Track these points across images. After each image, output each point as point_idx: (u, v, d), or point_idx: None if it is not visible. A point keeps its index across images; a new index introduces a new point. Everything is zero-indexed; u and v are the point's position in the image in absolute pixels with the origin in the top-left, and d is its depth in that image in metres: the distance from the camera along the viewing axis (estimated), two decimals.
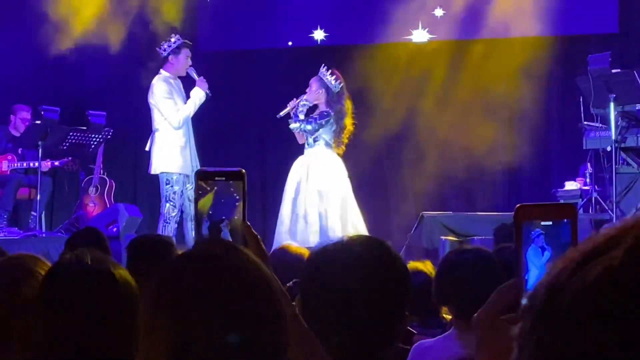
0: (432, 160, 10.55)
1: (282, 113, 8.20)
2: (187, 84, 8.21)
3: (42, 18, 10.73)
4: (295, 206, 7.98)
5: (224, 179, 1.76)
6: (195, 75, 7.97)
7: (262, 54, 10.93)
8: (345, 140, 8.12)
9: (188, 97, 8.02)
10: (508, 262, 2.71)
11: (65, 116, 9.20)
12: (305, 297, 2.05)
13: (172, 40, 8.01)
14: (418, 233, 8.10)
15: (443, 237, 7.75)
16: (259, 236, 1.81)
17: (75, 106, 9.94)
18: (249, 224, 1.77)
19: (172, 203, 7.83)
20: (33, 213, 8.96)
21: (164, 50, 7.99)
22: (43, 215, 9.19)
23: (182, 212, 7.92)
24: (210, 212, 1.73)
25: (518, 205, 1.52)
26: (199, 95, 7.91)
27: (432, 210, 8.77)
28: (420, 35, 10.58)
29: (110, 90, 10.79)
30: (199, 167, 7.92)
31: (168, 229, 7.76)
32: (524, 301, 0.87)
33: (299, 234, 7.79)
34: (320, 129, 7.99)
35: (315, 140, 8.09)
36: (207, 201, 1.73)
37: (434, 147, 10.53)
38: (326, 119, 7.99)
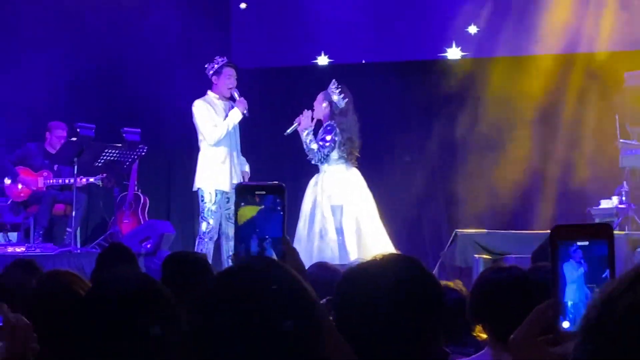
0: (465, 177, 10.52)
1: (289, 130, 8.23)
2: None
3: (79, 35, 10.87)
4: (312, 223, 7.99)
5: (264, 193, 1.76)
6: (236, 95, 8.04)
7: (296, 71, 10.98)
8: (356, 154, 8.10)
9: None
10: (543, 282, 2.71)
11: (101, 133, 9.28)
12: (340, 315, 2.06)
13: (216, 61, 8.11)
14: (452, 251, 8.06)
15: (477, 256, 7.71)
16: (296, 250, 1.82)
17: (110, 123, 10.02)
18: (288, 238, 1.78)
19: (206, 220, 7.87)
20: (68, 229, 9.03)
21: (208, 71, 8.12)
22: (78, 231, 9.26)
23: (219, 229, 7.96)
24: (255, 229, 1.73)
25: (555, 226, 1.52)
26: (234, 115, 7.98)
27: (466, 228, 8.73)
28: (453, 53, 10.57)
29: (144, 107, 10.88)
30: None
31: (202, 246, 7.79)
32: (561, 323, 0.88)
33: (316, 251, 7.79)
34: (329, 147, 7.99)
35: (327, 156, 8.11)
36: (248, 216, 1.73)
37: (468, 164, 10.51)
38: (332, 134, 7.99)
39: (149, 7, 10.73)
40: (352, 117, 8.12)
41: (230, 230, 7.91)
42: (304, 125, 8.07)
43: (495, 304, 3.00)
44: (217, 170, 7.91)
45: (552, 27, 10.11)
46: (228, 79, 8.04)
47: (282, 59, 11.07)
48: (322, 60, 10.91)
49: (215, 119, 7.95)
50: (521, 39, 10.30)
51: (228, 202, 7.92)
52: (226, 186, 7.88)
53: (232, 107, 8.07)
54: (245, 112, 7.98)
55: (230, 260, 7.40)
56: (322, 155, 8.00)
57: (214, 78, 8.08)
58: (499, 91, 10.41)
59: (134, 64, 10.71)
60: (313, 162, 8.12)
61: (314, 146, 8.01)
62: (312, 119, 8.10)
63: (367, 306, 2.01)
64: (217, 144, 7.95)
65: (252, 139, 9.26)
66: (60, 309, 2.55)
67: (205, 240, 7.85)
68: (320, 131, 8.14)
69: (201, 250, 7.66)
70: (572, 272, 1.53)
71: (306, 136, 8.03)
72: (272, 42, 11.02)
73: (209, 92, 8.11)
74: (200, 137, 8.08)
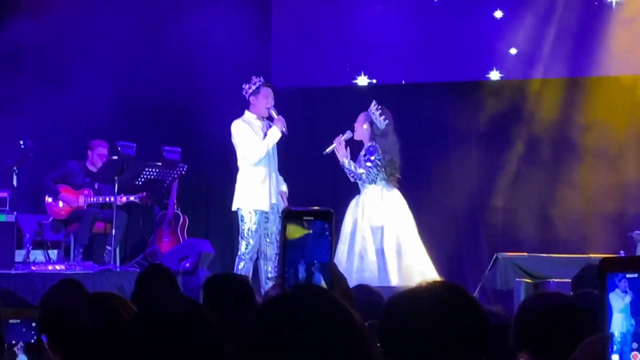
0: (505, 200, 10.47)
1: (328, 150, 8.25)
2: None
3: (121, 54, 10.99)
4: (352, 244, 7.99)
5: (312, 218, 1.75)
6: (274, 114, 8.08)
7: (335, 91, 11.01)
8: (397, 175, 8.11)
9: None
10: (589, 310, 2.68)
11: (142, 152, 9.36)
12: (385, 342, 2.05)
13: (253, 81, 8.13)
14: (492, 274, 8.03)
15: (518, 279, 7.67)
16: (344, 276, 1.82)
17: (151, 142, 10.10)
18: (335, 264, 1.78)
19: (245, 240, 7.90)
20: (108, 247, 9.09)
21: (246, 92, 8.15)
22: (117, 250, 9.32)
23: (259, 250, 7.98)
24: (303, 253, 1.73)
25: (602, 257, 1.51)
26: (273, 133, 8.02)
27: (506, 251, 8.69)
28: (494, 75, 10.55)
29: (185, 126, 10.96)
30: (279, 205, 8.00)
31: (241, 267, 7.81)
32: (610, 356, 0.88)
33: (355, 273, 7.78)
34: (375, 167, 8.00)
35: (377, 175, 8.11)
36: (295, 241, 1.73)
37: (508, 186, 10.46)
38: (375, 154, 8.00)
39: (189, 25, 10.81)
40: (393, 139, 8.13)
41: (269, 250, 7.93)
42: (341, 154, 8.12)
43: (540, 331, 2.98)
44: (256, 190, 7.93)
45: (598, 48, 10.06)
46: (266, 98, 8.08)
47: (322, 79, 11.09)
48: (362, 80, 10.92)
49: (255, 138, 8.00)
50: (574, 60, 10.26)
51: (267, 221, 7.95)
52: (266, 206, 7.90)
53: (270, 127, 8.10)
54: (284, 130, 8.01)
55: (269, 282, 7.42)
56: (372, 176, 8.01)
57: (251, 98, 8.12)
58: (541, 114, 10.37)
59: (174, 83, 10.79)
60: (361, 183, 8.12)
61: (361, 170, 8.01)
62: (347, 143, 8.13)
63: (413, 334, 2.00)
64: (257, 163, 7.99)
65: (291, 159, 9.30)
66: (105, 333, 2.56)
67: (245, 260, 7.87)
68: (362, 153, 8.16)
69: (240, 270, 7.68)
70: (618, 302, 1.52)
71: (348, 164, 8.06)
72: (311, 62, 11.06)
73: (247, 112, 8.15)
74: (239, 157, 8.12)
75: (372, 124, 8.13)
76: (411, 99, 10.60)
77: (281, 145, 8.26)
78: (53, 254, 9.39)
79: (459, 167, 10.69)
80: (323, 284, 1.74)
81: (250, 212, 7.89)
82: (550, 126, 10.37)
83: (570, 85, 10.42)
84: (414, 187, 9.23)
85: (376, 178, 8.05)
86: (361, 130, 8.19)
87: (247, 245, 7.87)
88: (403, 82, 10.90)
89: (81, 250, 9.13)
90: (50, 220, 9.42)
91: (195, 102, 10.95)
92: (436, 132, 10.63)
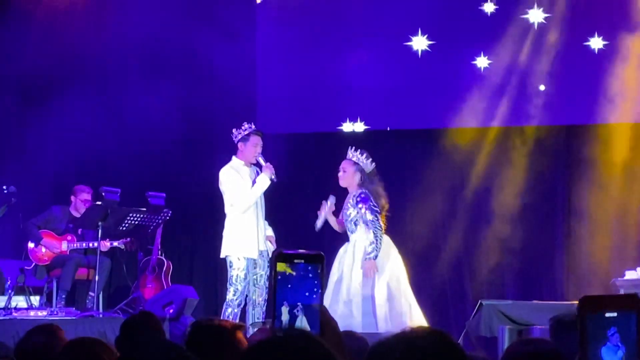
0: (489, 247, 10.50)
1: (319, 224, 8.26)
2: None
3: (104, 100, 11.01)
4: (337, 291, 7.95)
5: (302, 261, 1.76)
6: (262, 161, 8.06)
7: (320, 137, 11.06)
8: (383, 220, 8.08)
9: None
10: (573, 355, 2.69)
11: (126, 197, 9.35)
12: None
13: (243, 128, 8.14)
14: (476, 321, 8.02)
15: (502, 326, 7.66)
16: (335, 321, 1.81)
17: (135, 187, 10.09)
18: (326, 308, 1.77)
19: (234, 287, 7.88)
20: (91, 293, 9.04)
21: (235, 137, 8.15)
22: (100, 296, 9.27)
23: (246, 296, 7.95)
24: (288, 297, 1.73)
25: (582, 296, 1.52)
26: (262, 181, 8.00)
27: (490, 298, 8.70)
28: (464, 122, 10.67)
29: (169, 172, 10.96)
30: (267, 251, 7.98)
31: (229, 313, 7.78)
32: None
33: (339, 319, 7.71)
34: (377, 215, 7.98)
35: (356, 224, 8.08)
36: (283, 284, 1.73)
37: (490, 233, 10.49)
38: (369, 202, 7.99)
39: (173, 74, 10.87)
40: (379, 183, 8.13)
41: (257, 297, 7.91)
42: (332, 222, 8.16)
43: None
44: (245, 237, 7.91)
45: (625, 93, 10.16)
46: (254, 146, 8.08)
47: (307, 125, 11.14)
48: (347, 127, 10.98)
49: (243, 186, 7.99)
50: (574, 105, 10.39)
51: (255, 267, 7.94)
52: (254, 253, 7.89)
53: (258, 173, 8.10)
54: (273, 177, 8.01)
55: (251, 328, 7.39)
56: (379, 224, 7.96)
57: (240, 144, 8.11)
58: (519, 160, 10.45)
59: (160, 128, 10.80)
60: (350, 232, 8.10)
61: (370, 216, 7.95)
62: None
63: None
64: (245, 210, 7.97)
65: (278, 205, 9.30)
66: None
67: (233, 306, 7.84)
68: (350, 201, 8.10)
69: (228, 316, 7.65)
70: (611, 354, 1.52)
71: (350, 220, 8.04)
72: (297, 108, 11.11)
73: (234, 159, 8.13)
74: (227, 204, 8.09)
75: (362, 171, 8.12)
76: (397, 145, 10.66)
77: (267, 191, 8.24)
78: (35, 299, 9.32)
79: (443, 215, 10.73)
80: (306, 326, 1.74)
81: (239, 259, 7.87)
82: (535, 174, 10.44)
83: (559, 133, 10.52)
84: (399, 233, 9.24)
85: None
86: (350, 178, 8.14)
87: (235, 291, 7.85)
88: (388, 129, 10.97)
89: (64, 296, 9.08)
90: (32, 265, 9.38)
91: (180, 147, 10.97)
92: (419, 178, 10.66)
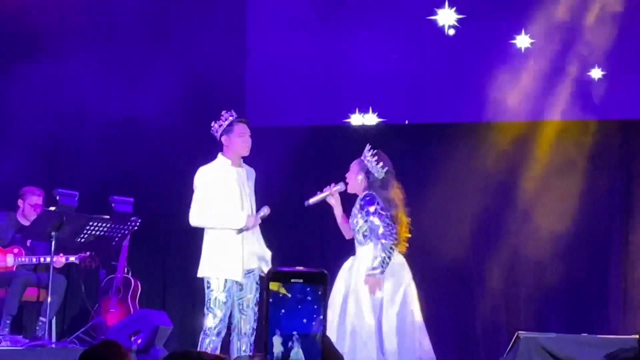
0: (529, 268, 10.50)
1: (311, 200, 8.22)
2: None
3: (62, 87, 11.00)
4: (343, 317, 7.93)
5: (301, 281, 1.74)
6: (265, 212, 7.88)
7: (324, 131, 11.06)
8: (405, 236, 8.06)
9: (255, 185, 8.05)
10: None
11: (85, 202, 9.33)
12: None
13: (223, 118, 7.99)
14: (512, 357, 8.00)
15: None
16: (341, 356, 1.78)
17: (96, 191, 10.08)
18: (329, 339, 1.74)
19: (212, 312, 7.82)
20: (42, 319, 9.02)
21: (216, 131, 7.98)
22: (54, 322, 9.26)
23: (230, 324, 7.90)
24: (281, 324, 1.70)
25: None
26: (237, 220, 7.75)
27: (529, 330, 8.68)
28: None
29: (138, 173, 10.95)
30: (255, 272, 7.92)
31: (207, 344, 7.74)
32: None
33: (348, 353, 7.71)
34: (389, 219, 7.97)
35: (365, 237, 8.07)
36: (279, 309, 1.71)
37: (531, 250, 10.49)
38: (375, 203, 7.97)
39: (153, 56, 10.89)
40: (396, 189, 8.10)
41: (244, 325, 7.87)
42: (338, 212, 8.15)
43: None
44: (226, 254, 7.82)
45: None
46: (241, 137, 7.92)
47: (307, 117, 11.14)
48: (356, 119, 10.97)
49: (223, 189, 7.86)
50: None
51: (241, 289, 7.86)
52: (238, 275, 7.80)
53: (249, 172, 7.98)
54: (246, 228, 7.82)
55: None
56: (390, 229, 7.95)
57: (223, 139, 7.95)
58: (567, 161, 10.46)
59: (127, 121, 10.79)
60: (358, 243, 8.10)
61: (378, 221, 7.95)
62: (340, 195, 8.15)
63: None
64: None
65: (274, 210, 9.28)
66: None
67: (211, 336, 7.79)
68: (356, 206, 8.10)
69: (206, 348, 7.62)
70: None
71: (358, 230, 8.04)
72: (291, 98, 11.11)
73: (220, 156, 7.99)
74: None
75: (368, 173, 8.11)
76: (415, 142, 10.66)
77: (261, 193, 8.18)
78: None
79: (471, 228, 10.71)
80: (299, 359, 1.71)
81: (218, 279, 7.82)
82: (587, 180, 10.45)
83: (615, 129, 10.53)
84: (416, 248, 9.22)
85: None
86: (355, 182, 8.15)
87: (214, 318, 7.80)
88: (406, 122, 10.96)
89: (8, 322, 9.06)
90: None
91: (152, 143, 10.96)
92: (442, 183, 10.65)
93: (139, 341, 8.96)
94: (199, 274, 7.89)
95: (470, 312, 10.59)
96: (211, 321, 7.78)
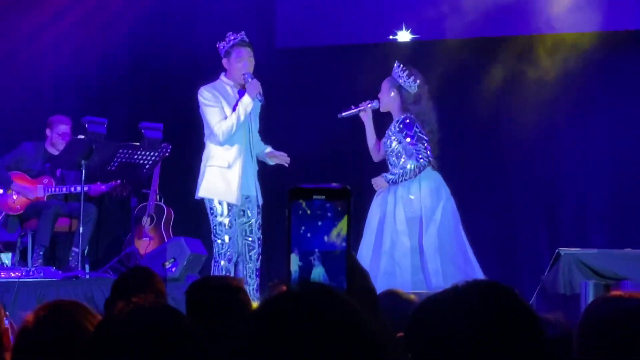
0: (569, 184, 10.46)
1: (345, 114, 8.26)
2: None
3: (89, 18, 10.97)
4: (378, 242, 7.96)
5: (323, 197, 1.73)
6: (248, 79, 7.89)
7: (351, 49, 11.00)
8: (436, 152, 8.07)
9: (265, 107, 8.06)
10: None
11: (114, 130, 9.34)
12: (412, 352, 2.04)
13: (227, 39, 7.96)
14: (553, 275, 7.99)
15: (585, 281, 7.64)
16: (367, 273, 1.78)
17: (126, 118, 10.09)
18: (354, 256, 1.74)
19: (220, 237, 7.88)
20: (74, 249, 9.09)
21: (220, 52, 8.03)
22: (86, 252, 9.33)
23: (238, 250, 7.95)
24: (301, 243, 1.70)
25: None
26: (244, 103, 7.81)
27: (571, 247, 8.66)
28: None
29: (168, 98, 10.95)
30: (255, 196, 7.93)
31: (218, 270, 7.81)
32: None
33: (383, 276, 7.75)
34: (422, 144, 7.97)
35: (398, 157, 8.07)
36: (297, 227, 1.70)
37: (573, 167, 10.44)
38: (414, 128, 7.97)
39: None
40: (428, 104, 8.10)
41: (249, 250, 7.92)
42: (368, 129, 8.15)
43: (611, 344, 2.95)
44: (222, 176, 7.84)
45: None
46: (239, 61, 7.89)
47: (336, 36, 11.07)
48: (403, 35, 10.83)
49: (225, 109, 7.86)
50: None
51: (243, 215, 7.91)
52: (233, 197, 7.82)
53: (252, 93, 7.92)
54: (259, 97, 7.82)
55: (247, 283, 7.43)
56: (424, 157, 7.96)
57: (224, 61, 8.00)
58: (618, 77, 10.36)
59: (155, 45, 10.78)
60: (392, 168, 8.11)
61: (410, 165, 7.96)
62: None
63: (445, 344, 1.98)
64: (230, 141, 7.84)
65: (289, 134, 9.25)
66: (64, 349, 2.55)
67: (222, 263, 7.85)
68: (391, 128, 8.10)
69: (217, 273, 7.69)
70: None
71: (392, 152, 8.04)
72: (319, 17, 11.05)
73: (222, 77, 8.03)
74: (206, 132, 8.03)
75: (400, 89, 8.10)
76: (450, 56, 10.57)
77: (266, 118, 8.14)
78: (7, 257, 9.41)
79: (510, 144, 10.67)
80: (324, 279, 1.71)
81: (221, 205, 7.86)
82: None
83: None
84: (454, 167, 9.21)
85: (427, 159, 8.00)
86: (388, 99, 8.15)
87: (222, 244, 7.86)
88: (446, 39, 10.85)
89: (41, 253, 9.15)
90: (2, 215, 9.44)
91: (181, 69, 10.94)
92: (481, 100, 10.59)
93: (174, 269, 9.02)
94: (197, 195, 7.94)
95: (509, 231, 10.59)
96: (220, 247, 7.85)
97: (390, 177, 8.01)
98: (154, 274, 4.82)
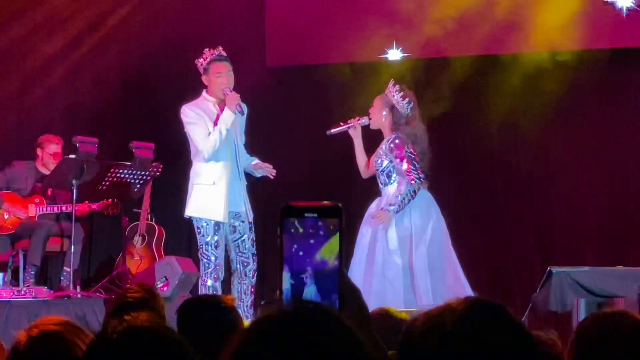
0: (560, 201, 10.47)
1: (333, 130, 8.24)
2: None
3: (79, 35, 10.98)
4: (370, 260, 7.95)
5: (315, 215, 1.73)
6: (227, 92, 7.82)
7: (342, 68, 11.01)
8: (425, 171, 8.06)
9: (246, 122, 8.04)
10: None
11: (105, 149, 9.33)
12: None
13: (204, 56, 7.90)
14: (545, 293, 8.01)
15: (577, 298, 7.65)
16: (359, 291, 1.78)
17: (117, 137, 10.08)
18: (346, 274, 1.74)
19: (205, 257, 7.85)
20: (66, 269, 9.08)
21: (199, 69, 7.99)
22: (78, 272, 9.31)
23: (229, 267, 7.94)
24: (293, 261, 1.70)
25: None
26: (224, 118, 7.71)
27: (562, 264, 8.68)
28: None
29: (159, 117, 10.94)
30: (245, 211, 7.90)
31: (205, 290, 7.78)
32: None
33: (375, 295, 7.73)
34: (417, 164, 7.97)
35: (389, 177, 8.07)
36: (290, 246, 1.70)
37: (564, 183, 10.46)
38: (405, 149, 7.96)
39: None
40: (420, 126, 8.10)
41: (243, 267, 7.89)
42: (357, 146, 8.15)
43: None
44: (209, 194, 7.80)
45: None
46: (218, 77, 7.83)
47: (328, 55, 11.09)
48: (393, 54, 10.84)
49: (208, 126, 7.81)
50: None
51: (235, 231, 7.89)
52: (219, 215, 7.78)
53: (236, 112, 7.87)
54: (238, 108, 7.73)
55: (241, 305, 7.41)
56: (417, 174, 7.94)
57: (203, 78, 7.97)
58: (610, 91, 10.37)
59: (146, 63, 10.77)
60: (382, 186, 8.09)
61: (406, 165, 7.93)
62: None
63: None
64: (215, 158, 7.78)
65: (292, 149, 9.26)
66: None
67: (208, 282, 7.82)
68: (382, 147, 8.09)
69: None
70: None
71: (382, 170, 8.03)
72: (310, 36, 11.06)
73: (204, 94, 8.00)
74: (192, 151, 7.99)
75: (393, 109, 8.10)
76: (441, 74, 10.59)
77: (262, 134, 8.13)
78: None
79: (501, 161, 10.68)
80: (314, 296, 1.71)
81: (207, 224, 7.82)
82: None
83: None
84: (446, 183, 9.20)
85: (420, 179, 7.98)
86: (379, 116, 8.15)
87: (208, 263, 7.83)
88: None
89: (33, 272, 9.13)
90: None
91: (172, 88, 10.91)
92: (472, 114, 10.60)
93: (165, 289, 9.01)
94: (186, 214, 7.92)
95: (500, 249, 10.59)
96: (206, 266, 7.82)
97: (392, 208, 7.93)
98: (154, 291, 4.82)
